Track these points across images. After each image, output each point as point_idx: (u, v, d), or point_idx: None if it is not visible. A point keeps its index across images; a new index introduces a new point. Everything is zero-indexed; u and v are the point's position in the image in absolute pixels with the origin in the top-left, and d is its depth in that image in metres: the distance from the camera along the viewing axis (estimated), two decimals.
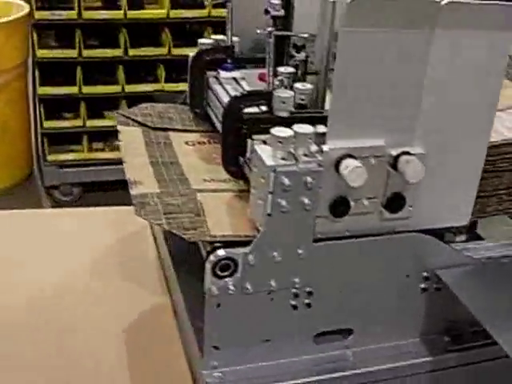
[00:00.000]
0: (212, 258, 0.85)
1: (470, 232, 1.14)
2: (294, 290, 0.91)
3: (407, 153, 0.86)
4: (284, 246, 0.87)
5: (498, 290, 0.99)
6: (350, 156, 0.83)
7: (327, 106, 1.02)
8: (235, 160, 0.95)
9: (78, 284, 1.27)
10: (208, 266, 0.85)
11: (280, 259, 0.87)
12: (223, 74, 1.18)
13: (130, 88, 2.69)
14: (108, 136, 2.90)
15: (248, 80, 1.18)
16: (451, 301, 1.02)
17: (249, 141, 0.91)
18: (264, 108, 0.96)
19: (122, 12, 2.51)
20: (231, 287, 0.87)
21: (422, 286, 1.00)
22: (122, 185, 3.48)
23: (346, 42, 0.76)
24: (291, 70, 1.11)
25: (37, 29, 2.53)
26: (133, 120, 1.25)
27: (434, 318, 1.04)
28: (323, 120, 0.90)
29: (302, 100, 0.98)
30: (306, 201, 0.84)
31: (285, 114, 0.91)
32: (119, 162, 3.52)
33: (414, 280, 0.99)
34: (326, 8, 1.02)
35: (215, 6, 2.60)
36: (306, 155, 0.83)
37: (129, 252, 1.39)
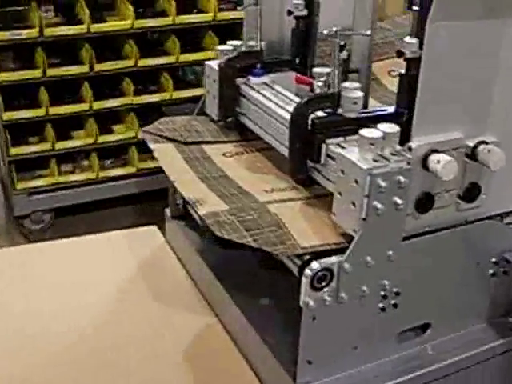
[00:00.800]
0: (308, 271, 0.82)
1: None
2: (382, 293, 0.90)
3: (484, 142, 0.87)
4: (377, 249, 0.85)
5: None
6: (435, 151, 0.83)
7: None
8: (304, 167, 0.92)
9: (118, 313, 1.21)
10: (305, 279, 0.82)
11: (373, 263, 0.85)
12: (254, 79, 1.15)
13: (97, 105, 2.58)
14: (76, 157, 2.78)
15: (280, 84, 1.16)
16: None
17: (323, 146, 0.88)
18: (320, 113, 0.94)
19: (85, 26, 2.40)
20: (327, 298, 0.84)
21: (491, 271, 1.01)
22: (93, 206, 3.30)
23: (434, 37, 0.75)
24: (328, 69, 1.10)
25: None
26: (161, 136, 1.19)
27: (499, 302, 1.06)
28: (384, 118, 0.90)
29: None
30: (399, 200, 0.82)
31: (353, 115, 0.90)
32: (90, 183, 3.34)
33: (484, 266, 1.00)
34: (365, 3, 1.02)
35: (179, 13, 2.54)
36: (393, 154, 0.82)
37: (156, 275, 1.33)
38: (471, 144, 0.87)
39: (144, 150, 2.87)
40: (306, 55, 1.20)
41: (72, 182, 2.74)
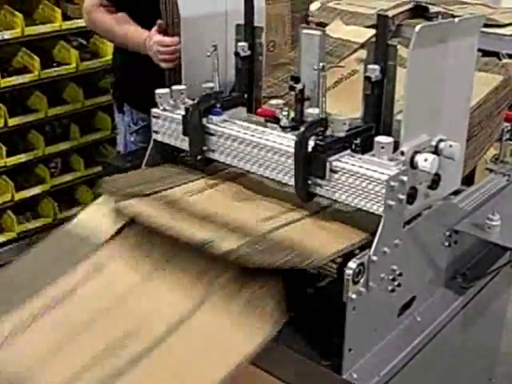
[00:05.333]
0: (349, 270, 0.96)
1: None
2: (391, 276, 1.07)
3: (441, 140, 1.09)
4: (389, 239, 1.02)
5: None
6: (417, 152, 1.03)
7: None
8: (306, 184, 1.06)
9: None
10: (347, 277, 0.96)
11: (388, 251, 1.02)
12: (216, 118, 1.26)
13: None
14: None
15: (237, 118, 1.28)
16: (461, 249, 1.30)
17: (327, 163, 1.03)
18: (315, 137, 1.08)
19: None
20: (362, 289, 0.99)
21: (447, 243, 1.25)
22: None
23: (415, 61, 0.96)
24: (281, 101, 1.26)
25: None
26: (122, 194, 1.19)
27: (450, 267, 1.30)
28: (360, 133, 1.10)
29: None
30: (402, 196, 1.01)
31: (343, 134, 1.06)
32: None
33: (443, 239, 1.23)
34: (312, 41, 1.20)
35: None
36: (390, 160, 1.01)
37: None
38: (433, 143, 1.09)
39: (21, 212, 2.74)
40: (252, 91, 1.35)
41: None
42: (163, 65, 1.64)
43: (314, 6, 2.16)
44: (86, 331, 1.00)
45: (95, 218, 1.22)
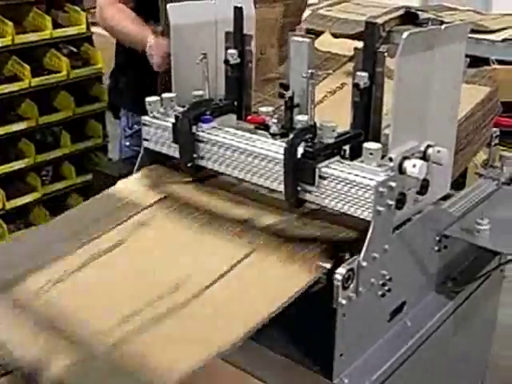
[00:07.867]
0: (338, 275, 0.96)
1: None
2: (381, 281, 1.07)
3: (429, 145, 1.10)
4: (378, 245, 1.03)
5: None
6: (406, 158, 1.04)
7: None
8: (296, 191, 1.07)
9: None
10: (337, 282, 0.96)
11: (377, 256, 1.02)
12: (205, 125, 1.26)
13: None
14: None
15: (226, 126, 1.28)
16: (451, 254, 1.31)
17: (316, 170, 1.04)
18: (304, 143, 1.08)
19: None
20: (352, 294, 0.99)
21: (437, 247, 1.25)
22: None
23: (403, 67, 0.97)
24: (271, 108, 1.27)
25: None
26: None
27: (441, 272, 1.30)
28: (349, 139, 1.10)
29: None
30: (391, 202, 1.01)
31: (332, 141, 1.07)
32: None
33: (433, 244, 1.24)
34: (300, 48, 1.21)
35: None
36: (379, 166, 1.01)
37: None
38: (422, 148, 1.10)
39: (13, 220, 2.73)
40: (242, 98, 1.35)
41: None
42: (155, 67, 1.67)
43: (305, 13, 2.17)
44: (134, 278, 1.04)
45: (134, 187, 1.29)
